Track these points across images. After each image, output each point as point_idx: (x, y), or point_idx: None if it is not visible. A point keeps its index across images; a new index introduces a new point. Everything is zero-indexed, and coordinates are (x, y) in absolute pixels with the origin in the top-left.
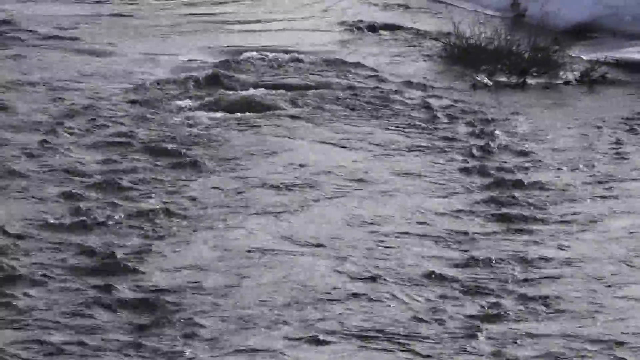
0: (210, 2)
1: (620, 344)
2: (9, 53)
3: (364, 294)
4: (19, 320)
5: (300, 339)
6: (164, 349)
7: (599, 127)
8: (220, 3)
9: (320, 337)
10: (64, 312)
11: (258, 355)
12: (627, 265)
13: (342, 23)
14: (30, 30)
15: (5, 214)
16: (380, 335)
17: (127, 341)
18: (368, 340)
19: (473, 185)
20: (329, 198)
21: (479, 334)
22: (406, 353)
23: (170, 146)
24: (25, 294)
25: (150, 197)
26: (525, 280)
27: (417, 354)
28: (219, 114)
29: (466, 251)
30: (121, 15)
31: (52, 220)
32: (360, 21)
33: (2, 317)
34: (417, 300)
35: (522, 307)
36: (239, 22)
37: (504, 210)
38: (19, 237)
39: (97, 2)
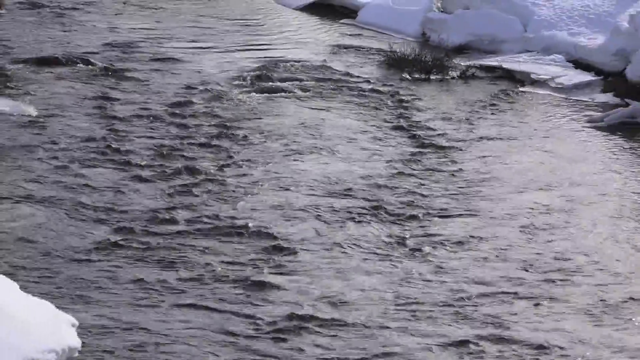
0: (247, 33)
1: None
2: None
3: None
4: None
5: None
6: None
7: (468, 102)
8: (255, 34)
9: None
10: None
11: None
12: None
13: (326, 46)
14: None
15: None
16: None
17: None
18: None
19: (393, 125)
20: (326, 147)
21: None
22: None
23: (228, 107)
24: None
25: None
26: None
27: None
28: (260, 95)
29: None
30: (200, 40)
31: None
32: (336, 45)
33: None
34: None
35: None
36: (268, 44)
37: (409, 129)
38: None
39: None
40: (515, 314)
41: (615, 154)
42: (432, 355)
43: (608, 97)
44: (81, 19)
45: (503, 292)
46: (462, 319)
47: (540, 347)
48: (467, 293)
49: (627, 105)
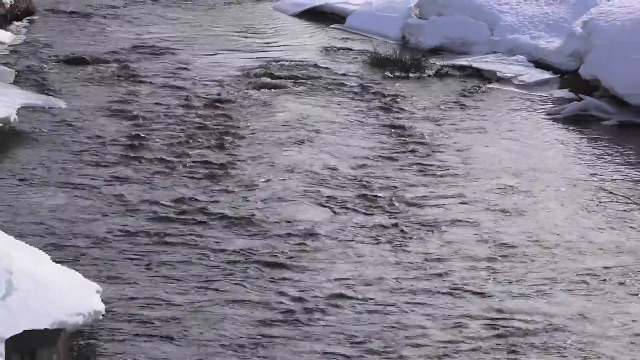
0: (249, 37)
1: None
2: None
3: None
4: None
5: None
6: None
7: (442, 96)
8: (256, 37)
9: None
10: None
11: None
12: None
13: (319, 48)
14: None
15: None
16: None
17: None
18: None
19: (377, 118)
20: (317, 133)
21: None
22: None
23: (234, 99)
24: None
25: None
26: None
27: None
28: (261, 90)
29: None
30: (209, 44)
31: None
32: (328, 46)
33: None
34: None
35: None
36: (267, 46)
37: (391, 121)
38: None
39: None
40: (499, 289)
41: (571, 143)
42: (429, 324)
43: (564, 93)
44: (108, 25)
45: (486, 270)
46: (454, 296)
47: (523, 320)
48: (455, 271)
49: (581, 99)
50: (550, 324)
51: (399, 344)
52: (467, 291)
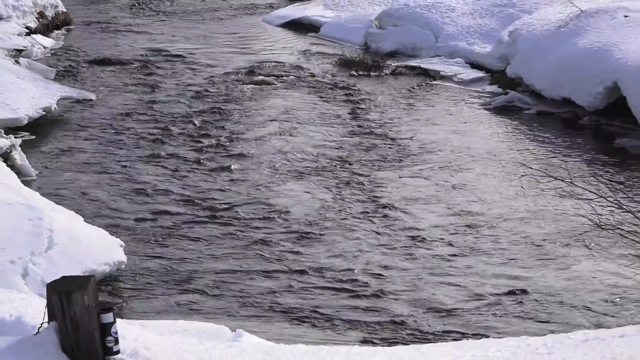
0: (241, 43)
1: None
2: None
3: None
4: None
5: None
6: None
7: (397, 91)
8: (247, 43)
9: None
10: None
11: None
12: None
13: (297, 52)
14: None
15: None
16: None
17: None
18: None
19: (343, 109)
20: (299, 124)
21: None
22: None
23: (231, 94)
24: None
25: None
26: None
27: None
28: (250, 85)
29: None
30: (208, 46)
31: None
32: (305, 50)
33: None
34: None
35: None
36: (256, 50)
37: (357, 112)
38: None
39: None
40: (455, 255)
41: (499, 128)
42: (410, 274)
43: (494, 88)
44: (132, 35)
45: (444, 233)
46: (420, 255)
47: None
48: (418, 235)
49: (507, 93)
50: (525, 283)
51: None
52: (431, 251)
